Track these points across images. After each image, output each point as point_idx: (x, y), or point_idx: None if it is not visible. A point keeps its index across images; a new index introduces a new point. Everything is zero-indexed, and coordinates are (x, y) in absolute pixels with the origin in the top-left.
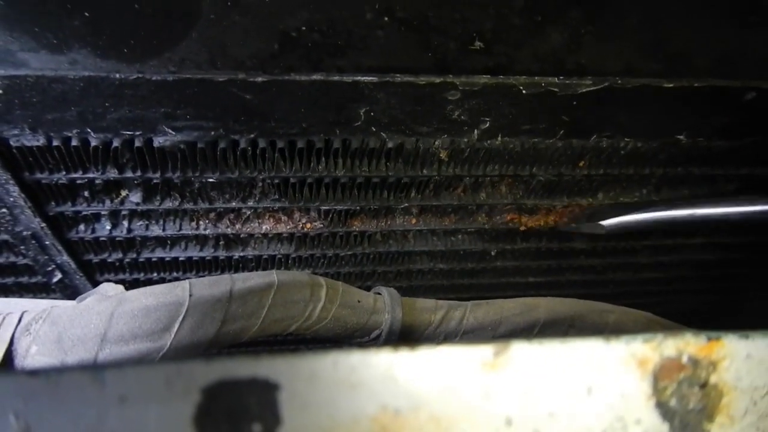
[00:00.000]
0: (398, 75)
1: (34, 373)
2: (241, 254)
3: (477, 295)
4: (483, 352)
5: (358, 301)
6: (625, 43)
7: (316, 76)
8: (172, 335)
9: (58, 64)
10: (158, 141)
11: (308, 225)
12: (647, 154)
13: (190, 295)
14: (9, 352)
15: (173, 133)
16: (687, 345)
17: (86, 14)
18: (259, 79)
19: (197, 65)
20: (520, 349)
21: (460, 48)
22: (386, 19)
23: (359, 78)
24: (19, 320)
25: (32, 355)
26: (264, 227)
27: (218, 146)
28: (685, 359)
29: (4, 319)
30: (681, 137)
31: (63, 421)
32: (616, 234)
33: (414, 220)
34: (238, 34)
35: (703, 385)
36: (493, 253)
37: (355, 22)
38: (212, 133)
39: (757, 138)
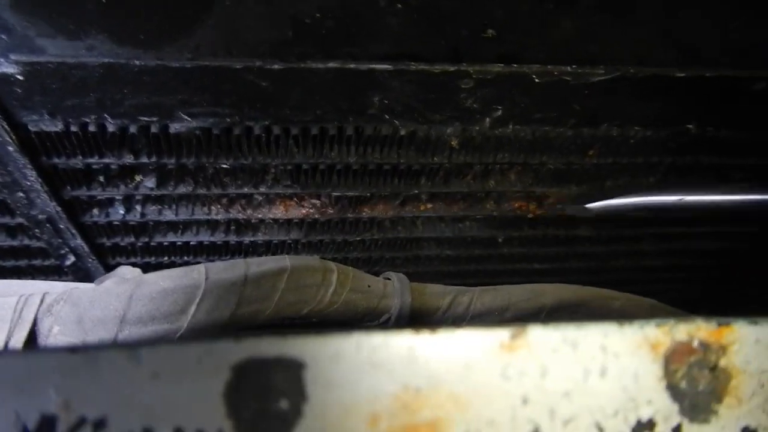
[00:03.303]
0: (413, 63)
1: (73, 350)
2: (252, 239)
3: (484, 281)
4: (500, 334)
5: (369, 286)
6: (636, 32)
7: (331, 64)
8: (189, 317)
9: (75, 50)
10: (174, 127)
11: (319, 211)
12: (656, 143)
13: (206, 279)
14: (33, 332)
15: (189, 119)
16: (698, 330)
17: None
18: (276, 66)
19: (212, 52)
20: (536, 331)
21: (472, 36)
22: (399, 6)
23: (374, 66)
24: (41, 301)
25: (54, 335)
26: (275, 213)
27: (233, 133)
28: (695, 344)
29: (26, 300)
30: (690, 126)
31: (100, 395)
32: (601, 217)
33: (423, 207)
34: (253, 21)
35: (713, 368)
36: (500, 240)
37: (369, 9)
38: (227, 119)
39: (766, 128)
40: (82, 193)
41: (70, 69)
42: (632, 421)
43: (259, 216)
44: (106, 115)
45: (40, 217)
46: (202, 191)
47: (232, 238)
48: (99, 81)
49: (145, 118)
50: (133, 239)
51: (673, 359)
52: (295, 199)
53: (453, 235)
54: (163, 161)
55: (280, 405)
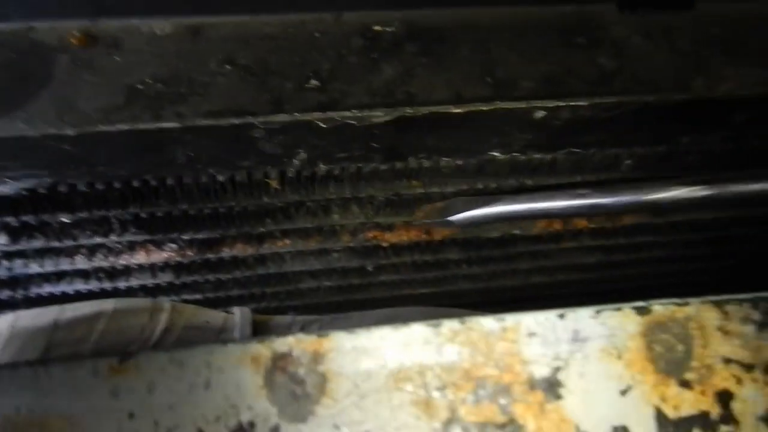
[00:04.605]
0: (200, 119)
1: None
2: (126, 284)
3: (376, 308)
4: (110, 360)
5: (207, 322)
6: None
7: (121, 126)
8: None
9: None
10: (1, 189)
11: (179, 254)
12: (471, 170)
13: (11, 327)
14: None
15: (12, 181)
16: (299, 342)
17: None
18: (69, 132)
19: (46, 122)
20: (144, 355)
21: (296, 87)
22: (228, 67)
23: (162, 125)
24: None
25: None
26: (138, 258)
27: (59, 190)
28: (295, 353)
29: None
30: (496, 154)
31: None
32: (466, 227)
33: (281, 243)
34: (88, 91)
35: (310, 374)
36: (370, 269)
37: (199, 71)
38: (48, 179)
39: (571, 149)
40: None
41: None
42: (233, 425)
43: (124, 262)
44: None
45: None
46: (55, 244)
47: (107, 285)
48: None
49: None
50: (10, 292)
51: (273, 369)
52: (152, 244)
53: (323, 267)
54: (5, 220)
55: None
